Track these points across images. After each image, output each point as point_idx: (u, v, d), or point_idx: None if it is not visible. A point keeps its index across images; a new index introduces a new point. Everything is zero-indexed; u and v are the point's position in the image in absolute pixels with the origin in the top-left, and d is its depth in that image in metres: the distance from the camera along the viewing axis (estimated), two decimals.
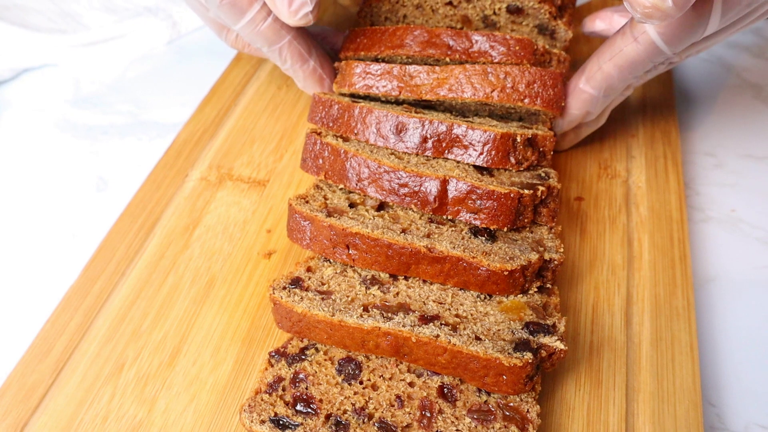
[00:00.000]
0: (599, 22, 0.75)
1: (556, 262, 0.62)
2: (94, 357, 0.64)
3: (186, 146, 0.85)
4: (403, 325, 0.57)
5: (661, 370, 0.63)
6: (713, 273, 0.75)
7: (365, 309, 0.59)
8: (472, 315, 0.59)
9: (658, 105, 0.90)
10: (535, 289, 0.62)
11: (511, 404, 0.56)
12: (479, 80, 0.67)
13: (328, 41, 0.83)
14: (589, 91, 0.69)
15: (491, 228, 0.63)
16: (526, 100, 0.68)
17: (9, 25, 1.03)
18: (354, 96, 0.74)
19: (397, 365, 0.59)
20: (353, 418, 0.56)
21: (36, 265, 0.76)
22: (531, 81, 0.68)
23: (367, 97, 0.74)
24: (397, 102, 0.73)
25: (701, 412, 0.60)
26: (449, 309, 0.60)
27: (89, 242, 0.77)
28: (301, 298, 0.60)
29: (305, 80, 0.77)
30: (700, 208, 0.82)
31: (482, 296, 0.61)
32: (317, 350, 0.61)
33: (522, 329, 0.58)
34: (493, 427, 0.55)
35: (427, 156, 0.67)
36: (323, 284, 0.62)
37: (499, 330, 0.57)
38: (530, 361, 0.54)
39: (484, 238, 0.62)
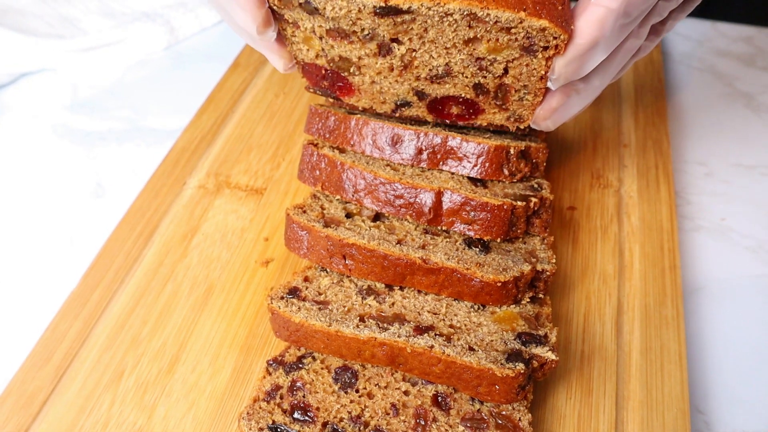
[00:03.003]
0: None
1: (548, 273, 0.63)
2: (94, 364, 0.65)
3: (184, 154, 0.86)
4: (398, 336, 0.58)
5: (650, 379, 0.64)
6: (703, 282, 0.76)
7: (361, 319, 0.60)
8: (465, 325, 0.61)
9: (650, 114, 0.92)
10: (528, 300, 0.63)
11: (504, 413, 0.58)
12: None
13: None
14: (606, 4, 0.55)
15: (485, 239, 0.64)
16: (528, 11, 0.54)
17: (7, 30, 1.04)
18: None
19: (392, 374, 0.60)
20: (349, 425, 0.57)
21: (34, 272, 0.77)
22: None
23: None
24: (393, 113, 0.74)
25: (689, 419, 0.62)
26: (443, 319, 0.61)
27: (87, 249, 0.78)
28: (299, 308, 0.61)
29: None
30: (690, 217, 0.83)
31: (476, 307, 0.63)
32: (314, 359, 0.62)
33: (514, 340, 0.59)
34: None
35: (422, 167, 0.68)
36: (320, 294, 0.64)
37: (492, 340, 0.59)
38: (522, 371, 0.55)
39: (478, 249, 0.64)
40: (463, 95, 0.65)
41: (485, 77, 0.62)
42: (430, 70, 0.62)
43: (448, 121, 0.70)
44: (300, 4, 0.57)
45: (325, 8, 0.56)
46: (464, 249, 0.64)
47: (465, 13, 0.54)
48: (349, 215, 0.68)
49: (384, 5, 0.55)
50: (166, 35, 1.10)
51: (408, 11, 0.55)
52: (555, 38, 0.55)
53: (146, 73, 1.05)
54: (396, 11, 0.55)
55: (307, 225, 0.64)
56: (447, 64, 0.61)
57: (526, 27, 0.55)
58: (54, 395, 0.63)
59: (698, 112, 0.98)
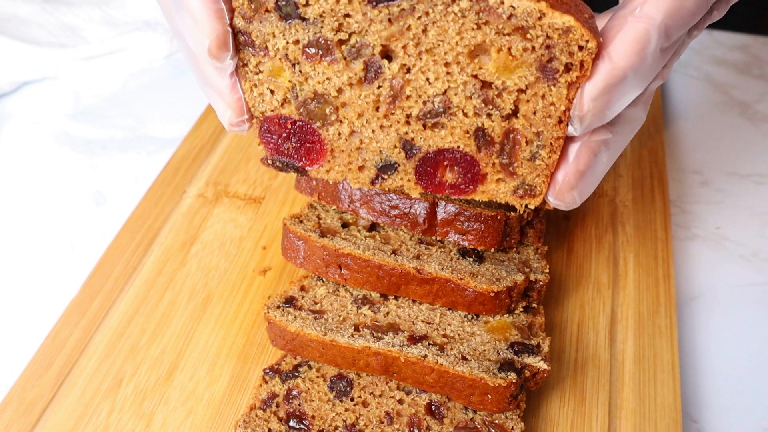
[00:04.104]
0: None
1: (541, 283, 0.64)
2: (93, 372, 0.66)
3: (183, 162, 0.87)
4: (392, 345, 0.59)
5: (643, 387, 0.65)
6: (697, 291, 0.77)
7: (356, 329, 0.61)
8: (459, 335, 0.61)
9: (646, 124, 0.92)
10: (521, 309, 0.64)
11: (497, 421, 0.58)
12: None
13: None
14: (652, 19, 0.43)
15: (479, 249, 0.65)
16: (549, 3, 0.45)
17: (9, 39, 1.05)
18: None
19: (386, 383, 0.61)
20: None
21: (35, 279, 0.78)
22: None
23: None
24: None
25: (682, 428, 0.62)
26: (437, 329, 0.62)
27: (88, 257, 0.79)
28: (295, 317, 0.62)
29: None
30: (685, 226, 0.84)
31: (469, 316, 0.63)
32: (310, 367, 0.63)
33: (507, 349, 0.60)
34: None
35: None
36: (316, 303, 0.64)
37: (485, 350, 0.60)
38: (514, 381, 0.56)
39: (471, 260, 0.64)
40: (461, 147, 0.51)
41: (490, 115, 0.49)
42: (425, 103, 0.50)
43: (438, 196, 0.60)
44: (276, 2, 0.47)
45: (308, 1, 0.47)
46: (458, 259, 0.64)
47: None
48: (345, 225, 0.69)
49: None
50: (168, 44, 1.11)
51: None
52: (581, 48, 0.44)
53: (147, 82, 1.06)
54: None
55: (303, 235, 0.65)
56: (445, 93, 0.49)
57: (547, 26, 0.44)
58: (54, 402, 0.64)
59: (694, 120, 0.99)
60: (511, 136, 0.50)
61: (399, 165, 0.53)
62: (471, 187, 0.53)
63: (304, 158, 0.54)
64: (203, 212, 0.81)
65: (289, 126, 0.53)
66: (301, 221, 0.68)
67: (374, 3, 0.46)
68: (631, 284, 0.73)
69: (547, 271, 0.65)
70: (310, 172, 0.55)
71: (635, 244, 0.77)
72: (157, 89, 1.05)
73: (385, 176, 0.54)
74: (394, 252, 0.64)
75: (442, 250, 0.66)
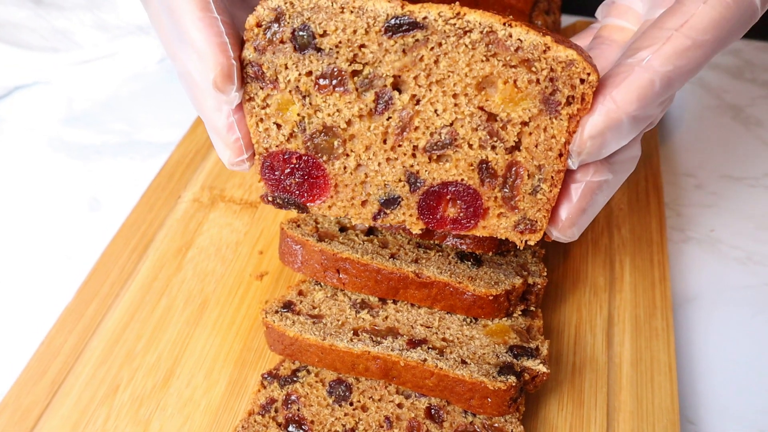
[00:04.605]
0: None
1: (539, 286, 0.64)
2: (89, 379, 0.65)
3: (178, 167, 0.87)
4: (391, 350, 0.59)
5: (640, 390, 0.65)
6: (692, 293, 0.77)
7: (355, 333, 0.61)
8: (458, 339, 0.61)
9: None
10: (519, 313, 0.64)
11: (496, 425, 0.58)
12: None
13: None
14: (657, 71, 0.46)
15: (477, 253, 0.65)
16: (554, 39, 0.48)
17: (1, 43, 1.04)
18: None
19: (386, 387, 0.61)
20: None
21: (30, 286, 0.77)
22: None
23: None
24: None
25: (679, 429, 0.62)
26: (436, 333, 0.62)
27: (83, 263, 0.78)
28: (293, 322, 0.62)
29: None
30: (680, 229, 0.84)
31: (468, 320, 0.63)
32: (309, 372, 0.62)
33: (506, 353, 0.60)
34: None
35: None
36: (314, 308, 0.64)
37: (484, 353, 0.60)
38: (514, 384, 0.56)
39: (470, 263, 0.64)
40: (465, 180, 0.52)
41: (494, 148, 0.50)
42: (432, 135, 0.51)
43: (438, 231, 0.60)
44: (293, 33, 0.48)
45: (325, 31, 0.47)
46: (456, 263, 0.64)
47: (485, 31, 0.46)
48: (342, 229, 0.68)
49: (399, 16, 0.47)
50: (161, 48, 1.10)
51: (423, 25, 0.47)
52: (582, 81, 0.46)
53: (141, 86, 1.06)
54: (410, 25, 0.47)
55: (301, 239, 0.65)
56: (452, 124, 0.50)
57: (551, 59, 0.46)
58: (49, 410, 0.63)
59: (687, 124, 0.99)
60: (514, 169, 0.51)
61: (402, 199, 0.53)
62: (472, 221, 0.54)
63: (306, 194, 0.54)
64: (199, 217, 0.81)
65: (294, 161, 0.53)
66: (298, 225, 0.68)
67: (390, 33, 0.47)
68: (627, 287, 0.74)
69: (545, 274, 0.65)
70: (311, 209, 0.55)
71: (631, 247, 0.78)
72: (150, 94, 1.05)
73: (388, 211, 0.54)
74: (392, 256, 0.64)
75: (441, 253, 0.66)
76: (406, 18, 0.47)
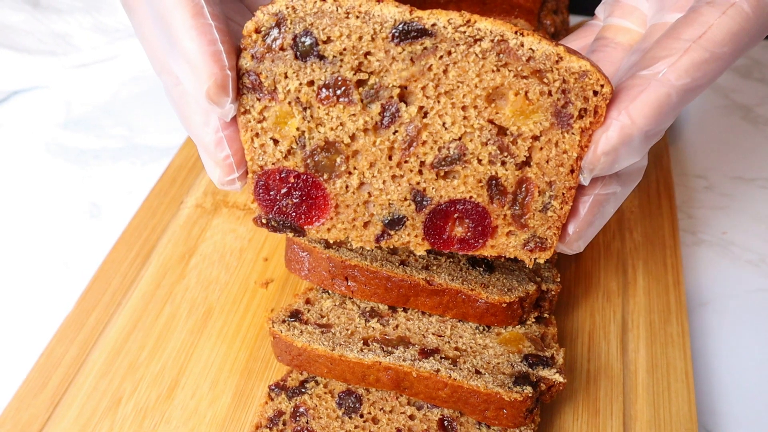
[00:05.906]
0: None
1: (553, 292, 0.63)
2: (91, 391, 0.64)
3: (180, 172, 0.85)
4: (403, 360, 0.57)
5: (657, 398, 0.64)
6: (706, 297, 0.76)
7: (365, 343, 0.59)
8: (471, 348, 0.60)
9: None
10: (533, 320, 0.62)
11: None
12: None
13: None
14: (673, 85, 0.44)
15: (488, 258, 0.64)
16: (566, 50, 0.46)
17: None
18: None
19: (397, 398, 0.59)
20: None
21: (28, 295, 0.75)
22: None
23: None
24: None
25: None
26: (449, 342, 0.60)
27: (83, 271, 0.76)
28: (301, 331, 0.60)
29: None
30: (692, 231, 0.83)
31: (481, 328, 0.62)
32: (317, 383, 0.61)
33: (521, 362, 0.58)
34: None
35: None
36: (323, 317, 0.63)
37: (498, 363, 0.58)
38: (530, 395, 0.54)
39: (482, 269, 0.63)
40: (473, 198, 0.49)
41: (504, 163, 0.48)
42: (440, 149, 0.48)
43: (445, 253, 0.57)
44: (294, 39, 0.44)
45: (329, 37, 0.44)
46: (468, 269, 0.63)
47: (496, 39, 0.44)
48: None
49: (407, 22, 0.44)
50: None
51: (432, 33, 0.44)
52: (596, 93, 0.45)
53: (141, 90, 1.04)
54: (418, 32, 0.44)
55: (308, 246, 0.63)
56: (461, 138, 0.47)
57: (564, 70, 0.44)
58: (50, 424, 0.61)
59: (696, 124, 0.98)
60: (524, 186, 0.49)
61: (407, 219, 0.50)
62: (480, 241, 0.51)
63: (303, 216, 0.50)
64: (202, 223, 0.79)
65: (291, 180, 0.49)
66: None
67: (397, 41, 0.45)
68: (641, 291, 0.72)
69: (559, 279, 0.64)
70: (308, 232, 0.51)
71: (644, 251, 0.76)
72: (150, 97, 1.03)
73: (392, 232, 0.51)
74: (402, 263, 0.63)
75: (452, 260, 0.64)
76: (415, 24, 0.44)
